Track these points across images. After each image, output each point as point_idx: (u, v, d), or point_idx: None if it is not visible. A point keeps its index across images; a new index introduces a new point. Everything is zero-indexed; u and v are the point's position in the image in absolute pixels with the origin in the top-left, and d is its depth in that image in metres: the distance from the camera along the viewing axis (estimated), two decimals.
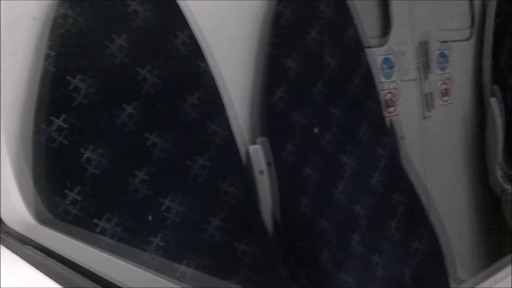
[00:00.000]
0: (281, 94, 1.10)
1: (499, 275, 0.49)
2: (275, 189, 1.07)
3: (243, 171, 1.02)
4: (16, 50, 0.84)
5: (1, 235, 0.72)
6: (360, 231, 1.17)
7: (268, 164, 1.07)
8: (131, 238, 0.84)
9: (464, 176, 1.66)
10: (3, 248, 0.69)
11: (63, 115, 0.81)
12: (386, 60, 1.41)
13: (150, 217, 0.87)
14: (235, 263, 0.95)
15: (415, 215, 1.27)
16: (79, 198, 0.80)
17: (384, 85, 1.40)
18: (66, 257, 0.61)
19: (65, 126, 0.81)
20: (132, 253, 0.81)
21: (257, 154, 1.05)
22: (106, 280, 0.55)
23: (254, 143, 1.08)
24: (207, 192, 0.95)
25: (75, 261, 0.59)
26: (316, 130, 1.14)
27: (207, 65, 0.99)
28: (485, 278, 0.49)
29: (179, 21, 0.96)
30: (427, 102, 1.53)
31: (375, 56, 1.36)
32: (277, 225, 1.06)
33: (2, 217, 0.75)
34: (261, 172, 1.05)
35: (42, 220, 0.78)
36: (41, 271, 0.59)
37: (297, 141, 1.11)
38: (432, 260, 1.27)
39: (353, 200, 1.18)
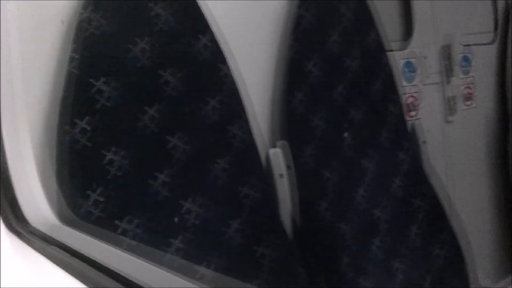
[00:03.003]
0: (301, 97, 1.10)
1: None
2: (294, 193, 1.07)
3: (263, 175, 1.02)
4: (41, 53, 0.85)
5: (26, 234, 0.73)
6: (381, 236, 1.16)
7: (288, 167, 1.07)
8: (152, 239, 0.85)
9: (487, 181, 1.64)
10: (28, 248, 0.70)
11: (87, 117, 0.82)
12: (408, 64, 1.40)
13: (170, 219, 0.87)
14: (255, 266, 0.95)
15: (436, 221, 1.26)
16: (101, 199, 0.81)
17: (406, 89, 1.39)
18: (90, 257, 0.62)
19: (89, 128, 0.82)
20: (153, 254, 0.82)
21: (277, 157, 1.05)
22: (128, 280, 0.55)
23: (274, 146, 1.08)
24: (227, 195, 0.95)
25: (98, 261, 0.60)
26: (346, 135, 1.14)
27: (228, 68, 0.99)
28: (508, 285, 0.48)
29: (201, 24, 0.97)
30: (450, 106, 1.51)
31: (397, 59, 1.35)
32: (297, 229, 1.06)
33: (26, 217, 0.76)
34: (281, 175, 1.05)
35: (65, 220, 0.79)
36: (66, 270, 0.60)
37: (317, 144, 1.11)
38: (453, 266, 1.25)
39: (374, 204, 1.17)
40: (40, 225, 0.76)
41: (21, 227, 0.75)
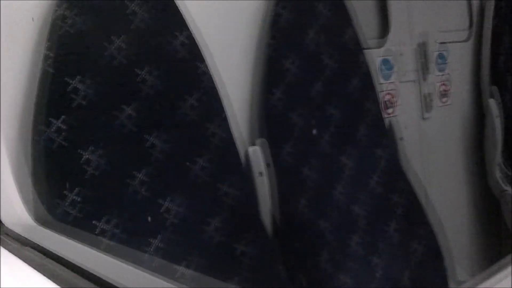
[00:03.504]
0: (280, 95, 1.10)
1: (498, 276, 0.49)
2: (274, 190, 1.07)
3: (242, 173, 1.02)
4: (14, 52, 0.84)
5: (1, 236, 0.72)
6: (359, 232, 1.17)
7: (267, 165, 1.07)
8: (130, 239, 0.84)
9: (463, 177, 1.66)
10: (2, 249, 0.69)
11: (62, 116, 0.81)
12: (385, 61, 1.42)
13: (149, 218, 0.87)
14: (235, 264, 0.95)
15: (414, 216, 1.27)
16: (78, 199, 0.80)
17: (383, 86, 1.40)
18: (65, 258, 0.61)
19: (64, 127, 0.81)
20: (131, 254, 0.81)
21: (256, 155, 1.05)
22: (105, 281, 0.55)
23: (253, 144, 1.08)
24: (206, 193, 0.95)
25: (74, 262, 0.59)
26: (314, 131, 1.15)
27: (206, 66, 0.99)
28: (485, 279, 0.49)
29: (177, 22, 0.97)
30: (426, 103, 1.53)
31: (374, 57, 1.36)
32: (276, 226, 1.06)
33: (1, 218, 0.75)
34: (260, 173, 1.05)
35: (41, 221, 0.78)
36: (40, 272, 0.59)
37: (296, 142, 1.11)
38: (431, 261, 1.27)
39: (352, 201, 1.18)
40: (15, 226, 0.74)
41: None
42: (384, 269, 1.17)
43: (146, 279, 0.59)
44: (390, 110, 1.42)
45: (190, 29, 0.98)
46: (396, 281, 1.20)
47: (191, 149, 0.95)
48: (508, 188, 1.61)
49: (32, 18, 0.84)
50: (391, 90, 1.43)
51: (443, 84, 1.59)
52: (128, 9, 0.90)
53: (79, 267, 0.58)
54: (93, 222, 0.81)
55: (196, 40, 0.98)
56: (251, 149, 1.06)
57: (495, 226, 1.65)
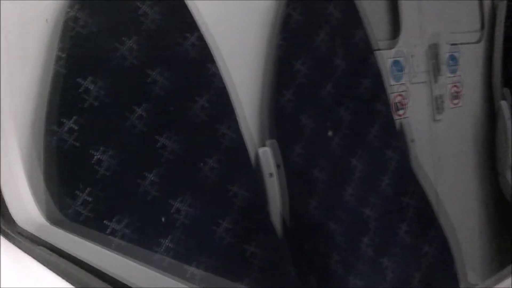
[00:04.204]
0: (290, 96, 1.10)
1: (510, 279, 0.49)
2: (284, 192, 1.07)
3: (252, 174, 1.02)
4: (27, 52, 0.84)
5: (13, 235, 0.72)
6: (370, 234, 1.16)
7: (277, 166, 1.07)
8: (141, 239, 0.84)
9: (474, 180, 1.65)
10: (16, 248, 0.69)
11: (74, 117, 0.82)
12: (396, 63, 1.41)
13: (162, 219, 0.87)
14: (245, 265, 0.95)
15: (425, 218, 1.27)
16: (89, 199, 0.81)
17: (394, 88, 1.40)
18: (78, 257, 0.61)
19: (76, 127, 0.82)
20: (142, 254, 0.82)
21: (266, 156, 1.05)
22: (117, 280, 0.55)
23: (263, 145, 1.08)
24: (217, 194, 0.95)
25: (87, 261, 0.60)
26: (330, 133, 1.14)
27: (216, 68, 0.99)
28: (496, 283, 0.49)
29: (188, 23, 0.97)
30: (437, 105, 1.52)
31: (385, 58, 1.35)
32: (286, 228, 1.06)
33: (14, 218, 0.75)
34: (270, 174, 1.05)
35: (53, 220, 0.79)
36: (53, 271, 0.59)
37: (306, 143, 1.11)
38: (442, 264, 1.26)
39: (363, 203, 1.17)
40: (27, 226, 0.75)
41: (8, 227, 0.74)
42: (395, 272, 1.17)
43: (157, 279, 0.59)
44: (401, 112, 1.41)
45: (201, 30, 0.98)
46: (406, 283, 1.19)
47: (201, 150, 0.95)
48: None
49: (46, 20, 0.85)
50: (402, 91, 1.43)
51: (455, 86, 1.58)
52: (140, 10, 0.91)
53: (91, 266, 0.58)
54: (104, 222, 0.81)
55: (206, 41, 0.99)
56: (261, 150, 1.06)
57: (506, 229, 1.64)
